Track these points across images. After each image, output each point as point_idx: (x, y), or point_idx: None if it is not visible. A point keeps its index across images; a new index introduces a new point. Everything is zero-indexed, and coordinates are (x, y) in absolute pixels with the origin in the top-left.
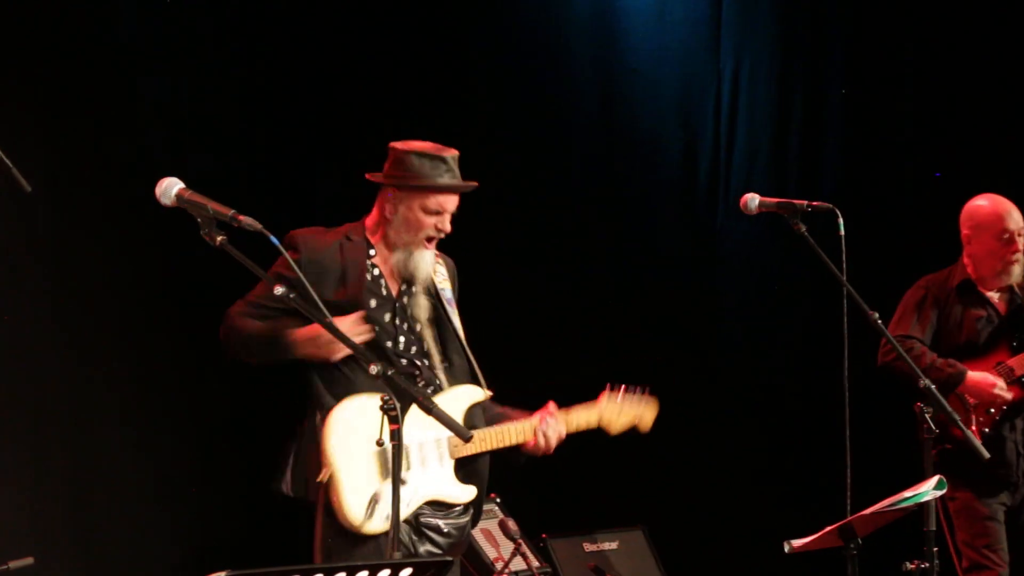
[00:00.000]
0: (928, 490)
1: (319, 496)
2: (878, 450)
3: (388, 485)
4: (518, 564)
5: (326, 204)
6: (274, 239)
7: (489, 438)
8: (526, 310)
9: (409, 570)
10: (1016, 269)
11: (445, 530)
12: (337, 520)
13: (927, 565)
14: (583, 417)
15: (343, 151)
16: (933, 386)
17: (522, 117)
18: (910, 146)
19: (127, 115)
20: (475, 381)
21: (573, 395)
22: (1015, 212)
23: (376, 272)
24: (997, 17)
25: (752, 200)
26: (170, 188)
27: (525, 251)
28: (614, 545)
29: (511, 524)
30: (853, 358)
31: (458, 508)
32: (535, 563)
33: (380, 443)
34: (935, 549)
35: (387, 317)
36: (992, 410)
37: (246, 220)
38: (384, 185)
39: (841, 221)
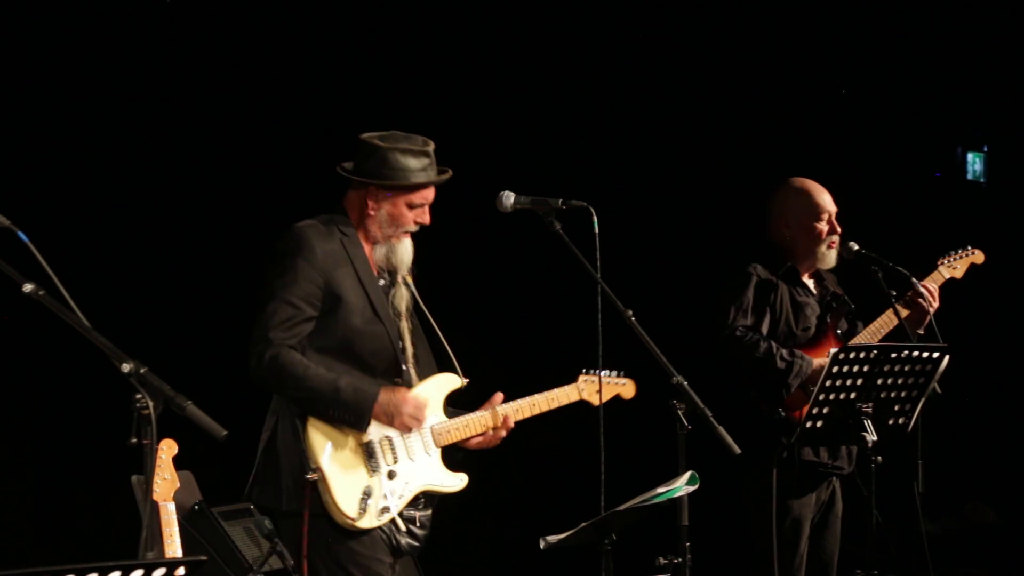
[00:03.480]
0: (680, 485)
1: (305, 500)
2: (633, 446)
3: (377, 480)
4: (275, 562)
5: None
6: (22, 235)
7: (461, 428)
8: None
9: (163, 570)
10: (833, 254)
11: (419, 523)
12: (332, 519)
13: (680, 560)
14: (559, 397)
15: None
16: (685, 382)
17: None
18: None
19: None
20: (451, 369)
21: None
22: (827, 194)
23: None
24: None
25: (507, 197)
26: None
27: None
28: None
29: (267, 522)
30: (607, 355)
31: (422, 502)
32: (291, 561)
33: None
34: (687, 544)
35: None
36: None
37: None
38: (364, 183)
39: (596, 219)
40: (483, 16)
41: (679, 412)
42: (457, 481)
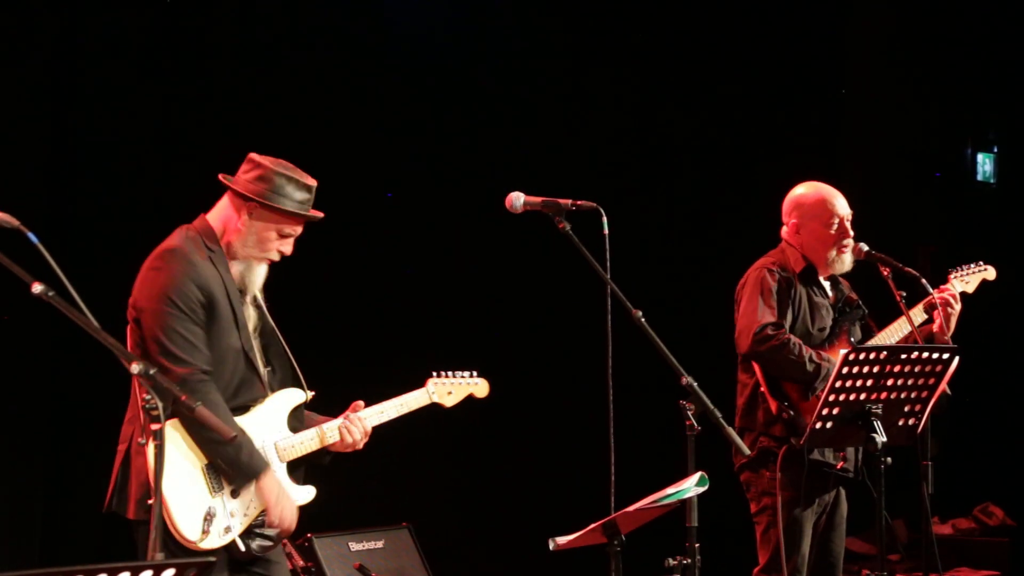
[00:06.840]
0: (690, 486)
1: (151, 515)
2: (642, 447)
3: (220, 500)
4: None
5: None
6: (32, 236)
7: (306, 442)
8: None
9: (172, 571)
10: (848, 257)
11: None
12: (173, 538)
13: (689, 561)
14: (409, 402)
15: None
16: (694, 382)
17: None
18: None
19: None
20: (298, 385)
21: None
22: (841, 198)
23: None
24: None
25: (517, 198)
26: None
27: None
28: (379, 544)
29: None
30: (616, 356)
31: None
32: (300, 562)
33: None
34: (696, 545)
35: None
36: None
37: (2, 216)
38: (246, 197)
39: (605, 220)
40: (487, 16)
41: (688, 413)
42: (304, 494)
